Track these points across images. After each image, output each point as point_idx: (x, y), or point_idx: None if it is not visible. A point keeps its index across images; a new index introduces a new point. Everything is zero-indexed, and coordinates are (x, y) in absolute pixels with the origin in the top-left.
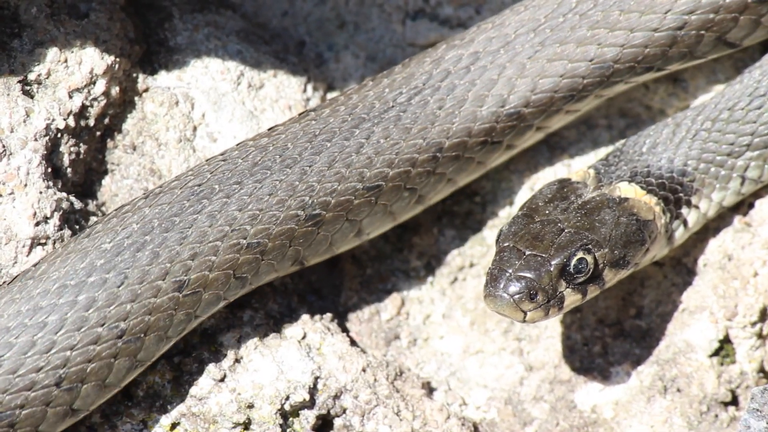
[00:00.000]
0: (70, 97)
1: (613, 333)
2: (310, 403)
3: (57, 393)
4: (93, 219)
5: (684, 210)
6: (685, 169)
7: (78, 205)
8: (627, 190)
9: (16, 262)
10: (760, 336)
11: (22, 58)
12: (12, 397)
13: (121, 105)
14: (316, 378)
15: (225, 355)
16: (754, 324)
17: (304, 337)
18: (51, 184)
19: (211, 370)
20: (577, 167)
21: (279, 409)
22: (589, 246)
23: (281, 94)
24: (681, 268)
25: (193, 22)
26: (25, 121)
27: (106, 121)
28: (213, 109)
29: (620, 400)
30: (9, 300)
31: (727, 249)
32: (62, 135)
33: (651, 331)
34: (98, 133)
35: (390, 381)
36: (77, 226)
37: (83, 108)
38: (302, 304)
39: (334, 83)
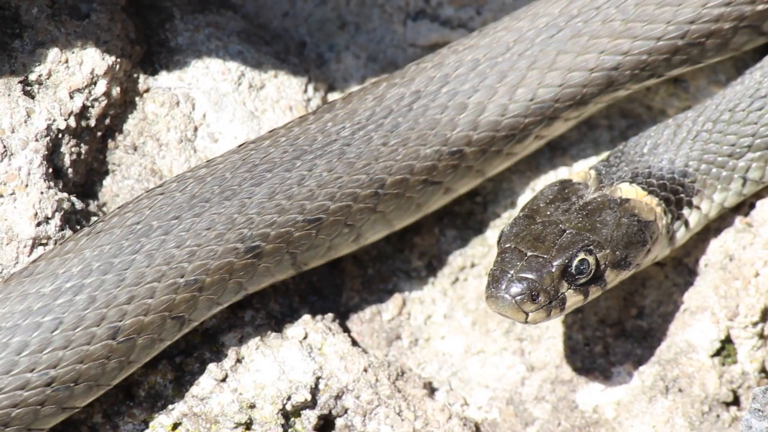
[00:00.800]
0: (71, 97)
1: (615, 333)
2: (312, 403)
3: None
4: (94, 219)
5: (685, 211)
6: (686, 170)
7: (79, 205)
8: (628, 191)
9: (17, 263)
10: (761, 336)
11: (23, 58)
12: None
13: (122, 105)
14: (318, 378)
15: (226, 355)
16: (755, 324)
17: (305, 337)
18: (52, 184)
19: (213, 370)
20: (578, 168)
21: (281, 409)
22: (591, 247)
23: (282, 95)
24: (682, 268)
25: (194, 22)
26: (26, 122)
27: (107, 121)
28: (214, 109)
29: (622, 401)
30: None
31: (728, 249)
32: (63, 135)
33: (652, 331)
34: (99, 134)
35: (391, 381)
36: (78, 227)
37: (84, 108)
38: (304, 305)
39: (335, 84)
